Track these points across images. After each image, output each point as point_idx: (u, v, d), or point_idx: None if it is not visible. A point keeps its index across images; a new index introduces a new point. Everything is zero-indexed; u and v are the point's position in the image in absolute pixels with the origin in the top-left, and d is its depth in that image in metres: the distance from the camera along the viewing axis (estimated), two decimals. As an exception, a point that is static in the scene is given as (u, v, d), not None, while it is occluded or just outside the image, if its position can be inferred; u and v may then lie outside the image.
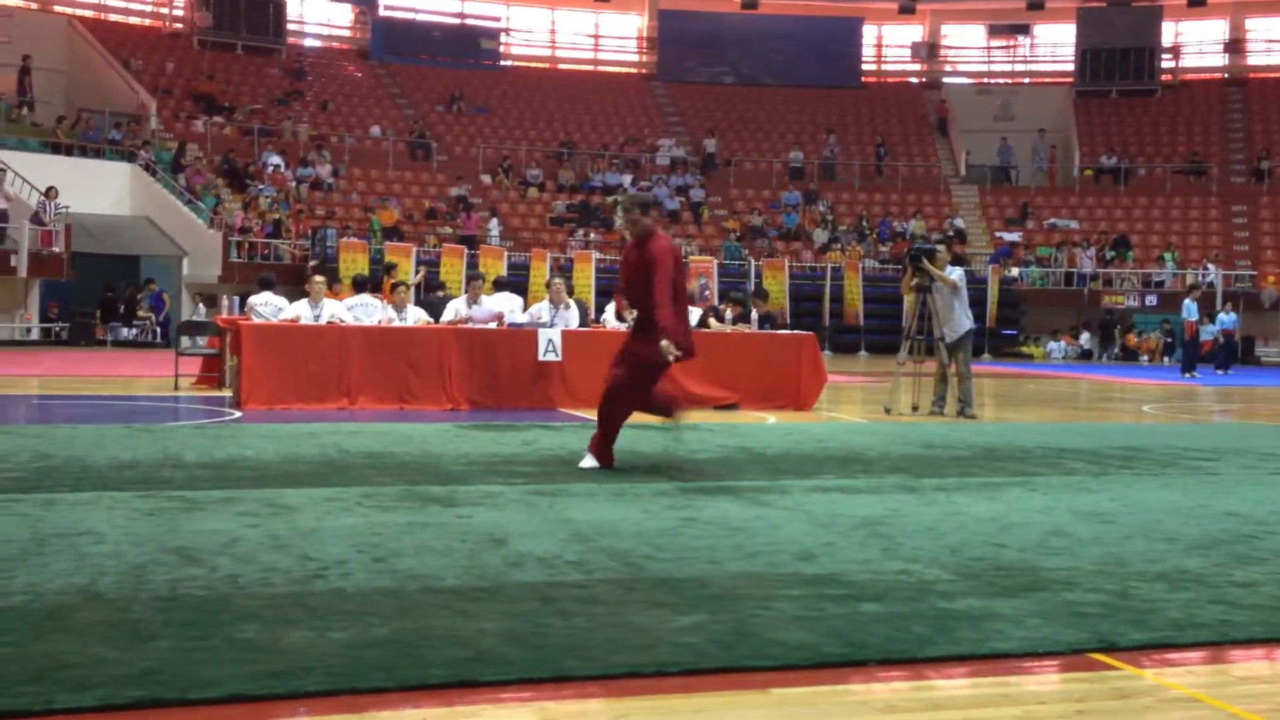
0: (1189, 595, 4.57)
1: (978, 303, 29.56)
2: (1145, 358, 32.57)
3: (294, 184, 32.81)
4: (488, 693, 3.36)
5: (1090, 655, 3.83)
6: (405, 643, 3.71)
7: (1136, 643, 3.94)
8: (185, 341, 15.41)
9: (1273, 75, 41.87)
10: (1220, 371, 25.74)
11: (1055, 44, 43.95)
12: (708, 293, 27.14)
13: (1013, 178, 39.94)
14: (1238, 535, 5.84)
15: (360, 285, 14.32)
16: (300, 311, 13.06)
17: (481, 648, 3.68)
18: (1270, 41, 42.52)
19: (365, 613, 4.03)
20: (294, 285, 20.36)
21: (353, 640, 3.72)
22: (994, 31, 44.56)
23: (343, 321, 12.79)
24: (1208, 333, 26.32)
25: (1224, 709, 3.41)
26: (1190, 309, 24.09)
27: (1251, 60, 42.48)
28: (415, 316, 13.32)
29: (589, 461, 7.85)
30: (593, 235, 33.56)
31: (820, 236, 35.51)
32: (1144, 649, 3.91)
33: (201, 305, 26.39)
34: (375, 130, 36.63)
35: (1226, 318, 25.52)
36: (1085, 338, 33.68)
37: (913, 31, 44.69)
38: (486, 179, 36.04)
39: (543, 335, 12.56)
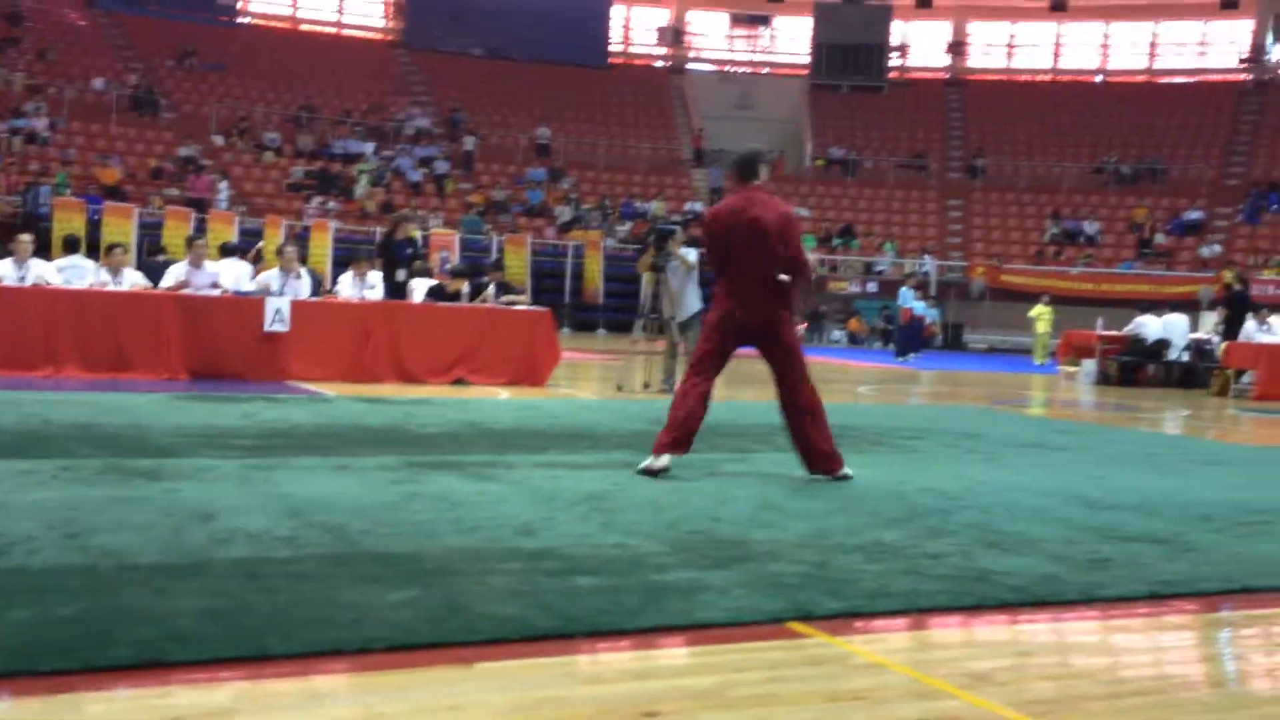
0: (883, 566, 4.82)
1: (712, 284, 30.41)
2: (877, 341, 34.06)
3: (6, 136, 30.60)
4: (180, 673, 3.22)
5: (788, 624, 3.98)
6: (93, 622, 3.52)
7: (832, 611, 4.12)
8: None
9: (989, 78, 44.60)
10: (900, 358, 25.24)
11: (793, 37, 45.50)
12: (448, 266, 26.85)
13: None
14: (933, 510, 6.20)
15: (72, 246, 13.48)
16: (3, 271, 12.21)
17: (176, 627, 3.53)
18: (989, 45, 45.25)
19: (50, 591, 3.80)
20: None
21: (33, 620, 3.50)
22: (736, 20, 45.77)
23: (50, 284, 12.03)
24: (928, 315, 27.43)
25: (908, 674, 3.60)
26: (906, 296, 25.39)
27: (971, 62, 45.13)
28: (132, 280, 12.66)
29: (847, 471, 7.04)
30: (331, 203, 32.67)
31: (564, 214, 35.68)
32: (838, 617, 4.09)
33: None
34: (98, 83, 34.55)
35: (919, 304, 26.26)
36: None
37: (659, 16, 45.41)
38: (219, 140, 34.55)
39: (270, 304, 12.14)
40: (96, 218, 24.97)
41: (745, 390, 15.12)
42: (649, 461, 6.92)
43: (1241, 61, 42.23)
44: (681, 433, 6.95)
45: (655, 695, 3.31)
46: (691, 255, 13.20)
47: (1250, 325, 19.44)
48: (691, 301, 13.04)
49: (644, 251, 13.32)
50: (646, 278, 13.55)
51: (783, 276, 6.96)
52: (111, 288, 12.28)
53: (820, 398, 7.15)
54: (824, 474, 7.01)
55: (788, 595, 4.27)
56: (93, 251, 17.07)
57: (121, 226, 24.24)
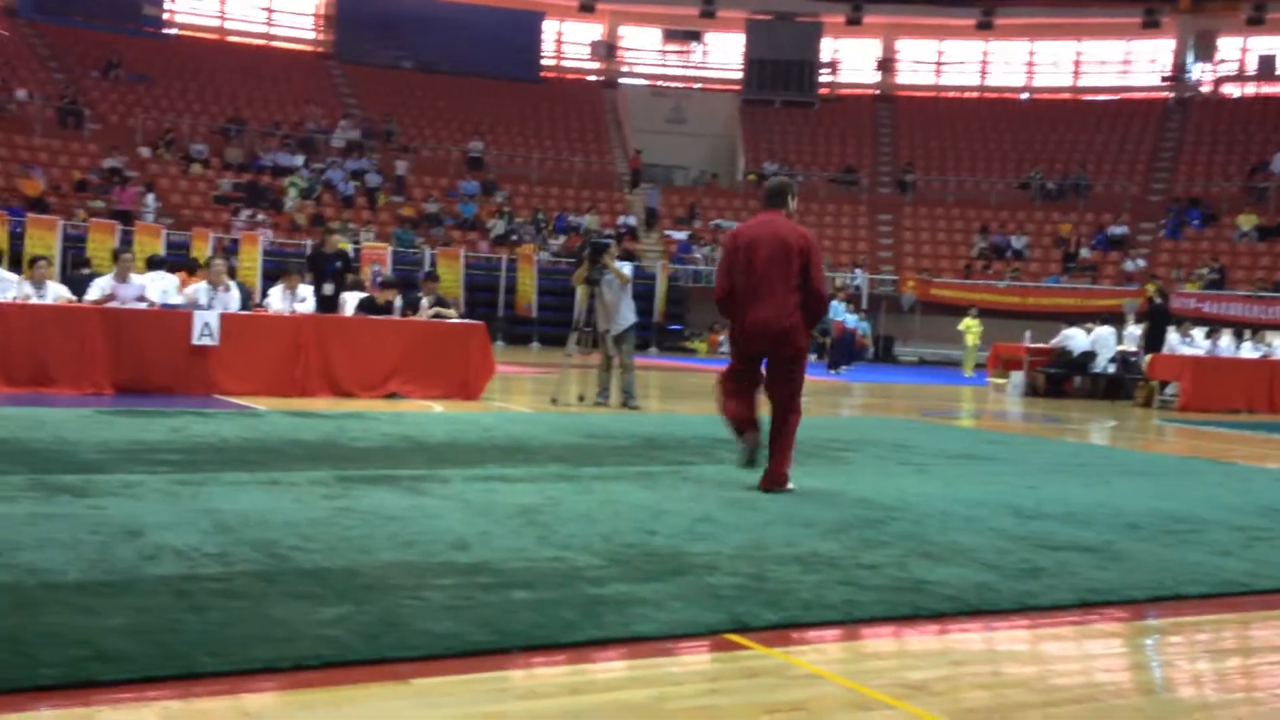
0: (820, 577, 4.84)
1: (647, 298, 30.47)
2: (810, 354, 34.21)
3: (-78, 145, 29.93)
4: (106, 693, 3.16)
5: (725, 636, 3.99)
6: (17, 641, 3.44)
7: (769, 623, 4.13)
8: None
9: (918, 94, 45.15)
10: (832, 370, 25.63)
11: (725, 52, 45.75)
12: (380, 279, 26.64)
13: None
14: (867, 520, 6.24)
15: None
16: (-79, 284, 11.93)
17: (104, 646, 3.45)
18: (917, 62, 45.82)
19: (-28, 611, 3.71)
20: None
21: (-46, 641, 3.41)
22: (669, 36, 45.92)
23: (-29, 297, 11.77)
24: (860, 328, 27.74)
25: (845, 684, 3.62)
26: (838, 309, 25.58)
27: (900, 79, 45.65)
28: (56, 294, 12.41)
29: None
30: (261, 215, 32.28)
31: (497, 227, 35.56)
32: (775, 628, 4.10)
33: None
34: (21, 94, 33.88)
35: (851, 317, 26.56)
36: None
37: (592, 30, 45.46)
38: (145, 151, 34.02)
39: (198, 318, 11.96)
40: (19, 230, 24.47)
41: (682, 403, 15.15)
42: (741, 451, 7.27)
43: (1164, 80, 43.09)
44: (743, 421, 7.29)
45: (592, 709, 3.30)
46: (626, 269, 13.22)
47: (1174, 337, 19.83)
48: (626, 315, 13.05)
49: (579, 265, 13.31)
50: (581, 291, 13.55)
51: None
52: (35, 301, 12.03)
53: (797, 421, 7.36)
54: (765, 490, 7.09)
55: (725, 607, 4.27)
56: (15, 265, 16.75)
57: (45, 239, 23.75)
